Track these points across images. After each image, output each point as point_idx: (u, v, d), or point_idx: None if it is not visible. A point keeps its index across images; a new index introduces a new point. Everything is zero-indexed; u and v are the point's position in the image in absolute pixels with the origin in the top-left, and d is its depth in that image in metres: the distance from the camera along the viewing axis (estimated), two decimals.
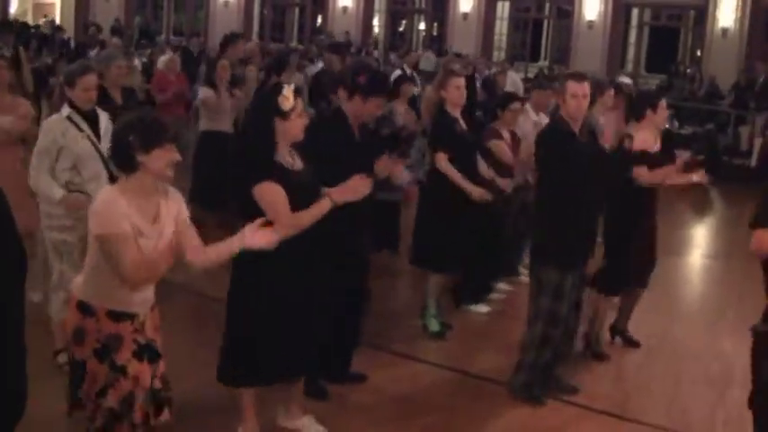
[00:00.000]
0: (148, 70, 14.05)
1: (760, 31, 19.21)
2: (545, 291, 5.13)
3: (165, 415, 3.57)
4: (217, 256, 3.60)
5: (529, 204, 6.60)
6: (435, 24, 24.57)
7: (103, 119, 5.17)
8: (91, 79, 5.14)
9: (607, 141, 6.19)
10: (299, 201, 4.11)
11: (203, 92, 8.35)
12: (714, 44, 19.79)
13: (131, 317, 3.48)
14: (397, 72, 11.24)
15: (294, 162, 4.22)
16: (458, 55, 16.46)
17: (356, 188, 4.31)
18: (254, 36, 23.75)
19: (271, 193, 4.05)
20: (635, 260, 5.95)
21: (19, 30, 17.73)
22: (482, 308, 7.00)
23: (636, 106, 6.17)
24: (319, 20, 25.37)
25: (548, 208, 5.20)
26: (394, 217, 7.67)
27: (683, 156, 6.01)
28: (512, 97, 7.38)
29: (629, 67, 21.90)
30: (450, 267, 6.30)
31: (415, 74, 11.47)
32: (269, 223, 3.70)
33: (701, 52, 20.56)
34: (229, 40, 9.17)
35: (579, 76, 5.22)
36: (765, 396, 3.91)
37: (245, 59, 10.07)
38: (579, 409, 5.30)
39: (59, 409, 3.76)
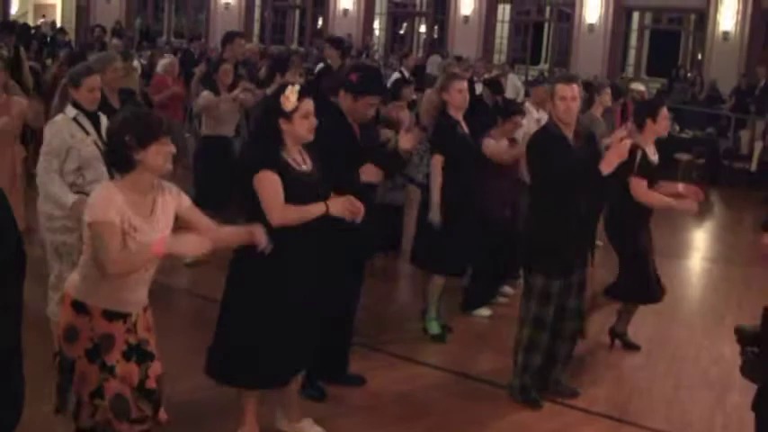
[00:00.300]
0: (148, 73, 14.03)
1: (761, 35, 19.23)
2: (532, 295, 5.16)
3: (163, 415, 3.57)
4: (228, 236, 3.83)
5: None
6: (436, 27, 24.58)
7: (104, 122, 5.18)
8: (96, 80, 5.18)
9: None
10: (300, 200, 4.10)
11: (203, 97, 8.17)
12: (715, 48, 19.80)
13: (124, 316, 3.49)
14: (396, 75, 11.25)
15: (304, 162, 4.22)
16: (458, 58, 16.48)
17: (354, 209, 4.22)
18: (255, 38, 23.78)
19: (267, 182, 4.05)
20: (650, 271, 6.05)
21: (20, 31, 17.73)
22: (484, 311, 7.01)
23: (636, 115, 6.18)
24: (320, 22, 25.38)
25: (536, 212, 5.21)
26: (395, 220, 7.68)
27: (682, 157, 6.04)
28: (516, 109, 7.20)
29: (630, 70, 21.90)
30: (448, 269, 6.31)
31: (413, 77, 11.43)
32: None
33: (702, 56, 20.57)
34: (228, 39, 9.11)
35: (567, 79, 5.22)
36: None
37: (246, 61, 10.05)
38: (579, 412, 5.30)
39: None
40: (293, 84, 4.29)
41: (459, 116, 6.22)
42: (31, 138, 8.95)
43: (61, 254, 5.07)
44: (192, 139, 10.00)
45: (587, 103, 8.19)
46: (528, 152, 5.32)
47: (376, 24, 25.01)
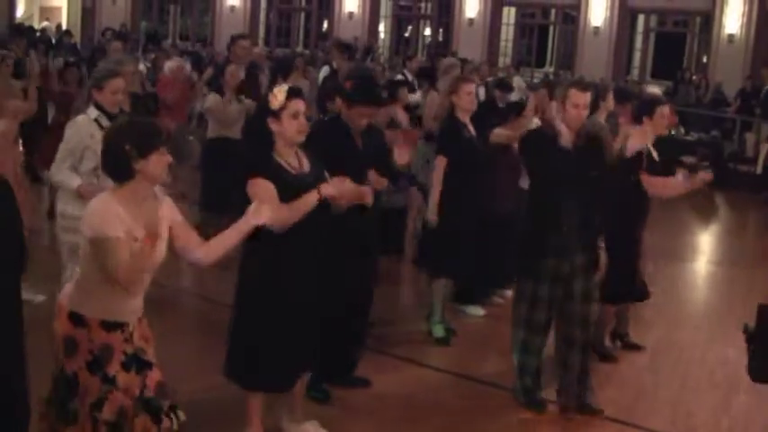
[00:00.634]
0: (152, 76, 14.03)
1: (766, 38, 19.19)
2: (522, 298, 5.14)
3: (166, 424, 3.46)
4: (222, 245, 3.62)
5: None
6: (441, 30, 24.58)
7: None
8: (119, 82, 5.29)
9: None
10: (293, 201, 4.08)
11: (209, 99, 8.20)
12: (720, 50, 19.77)
13: (122, 326, 3.42)
14: (398, 77, 11.25)
15: (299, 164, 4.22)
16: (463, 61, 16.47)
17: (344, 186, 4.21)
18: (260, 41, 23.80)
19: (258, 189, 4.04)
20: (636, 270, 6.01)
21: (24, 33, 17.81)
22: (477, 310, 6.99)
23: (635, 112, 6.18)
24: (325, 25, 25.39)
25: (528, 213, 5.20)
26: (398, 222, 7.68)
27: (687, 159, 6.06)
28: (524, 106, 7.25)
29: (635, 73, 21.87)
30: (452, 273, 6.31)
31: (415, 80, 11.41)
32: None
33: (707, 59, 20.54)
34: (233, 41, 9.13)
35: (583, 86, 5.10)
36: None
37: (253, 64, 10.04)
38: (583, 413, 5.29)
39: None
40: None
41: (466, 119, 6.23)
42: (26, 139, 8.96)
43: (76, 254, 5.07)
44: (195, 141, 9.99)
45: (592, 106, 8.16)
46: (520, 154, 5.38)
47: (381, 27, 25.01)
